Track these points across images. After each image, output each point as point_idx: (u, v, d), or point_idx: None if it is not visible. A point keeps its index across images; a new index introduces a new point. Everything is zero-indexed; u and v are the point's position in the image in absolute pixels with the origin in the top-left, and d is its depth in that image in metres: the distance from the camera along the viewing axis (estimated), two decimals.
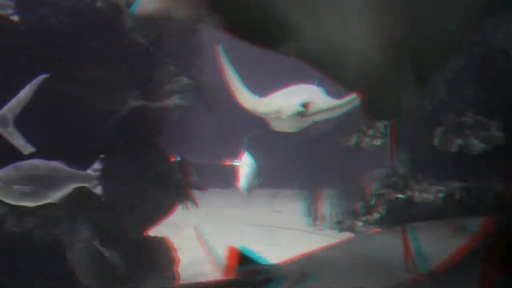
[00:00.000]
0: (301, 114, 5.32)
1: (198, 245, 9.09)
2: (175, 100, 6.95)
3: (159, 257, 6.97)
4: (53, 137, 6.03)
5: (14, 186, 4.36)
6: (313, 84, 6.04)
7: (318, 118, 5.53)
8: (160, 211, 7.08)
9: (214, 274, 7.79)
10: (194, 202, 7.03)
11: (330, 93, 5.84)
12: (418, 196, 5.95)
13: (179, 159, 7.18)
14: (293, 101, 5.39)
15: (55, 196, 4.74)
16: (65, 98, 6.10)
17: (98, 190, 4.76)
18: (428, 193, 5.92)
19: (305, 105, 5.35)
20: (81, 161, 6.20)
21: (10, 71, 5.91)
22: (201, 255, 8.64)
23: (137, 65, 6.62)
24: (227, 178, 11.58)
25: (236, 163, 12.01)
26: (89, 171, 4.80)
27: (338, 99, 5.56)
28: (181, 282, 6.96)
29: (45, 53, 5.95)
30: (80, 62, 6.11)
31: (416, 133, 6.29)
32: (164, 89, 6.90)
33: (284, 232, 10.13)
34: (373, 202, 6.16)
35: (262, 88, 6.01)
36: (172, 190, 6.95)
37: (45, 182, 4.59)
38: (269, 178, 11.61)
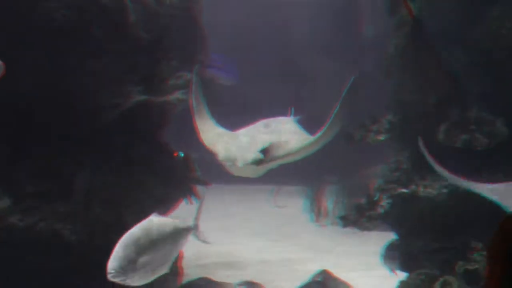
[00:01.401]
0: (260, 162, 4.67)
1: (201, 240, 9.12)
2: (178, 95, 6.94)
3: None
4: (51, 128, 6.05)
5: None
6: (289, 113, 5.54)
7: (283, 161, 4.93)
8: (164, 206, 7.08)
9: (217, 268, 7.78)
10: (197, 197, 7.03)
11: (307, 122, 5.41)
12: (422, 191, 5.93)
13: (182, 154, 7.17)
14: (251, 146, 4.73)
15: None
16: (67, 91, 6.11)
17: None
18: (432, 188, 5.90)
19: (265, 151, 4.71)
20: (83, 153, 6.21)
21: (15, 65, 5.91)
22: (204, 249, 8.68)
23: (141, 60, 6.61)
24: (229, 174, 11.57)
25: None
26: None
27: (314, 132, 4.99)
28: None
29: (50, 48, 5.95)
30: (83, 56, 6.11)
31: (420, 128, 6.27)
32: (167, 84, 6.89)
33: (287, 228, 10.14)
34: (377, 197, 6.15)
35: (236, 118, 5.49)
36: (175, 185, 6.96)
37: None
38: (270, 175, 11.62)
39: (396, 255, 6.45)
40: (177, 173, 7.03)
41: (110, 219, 6.24)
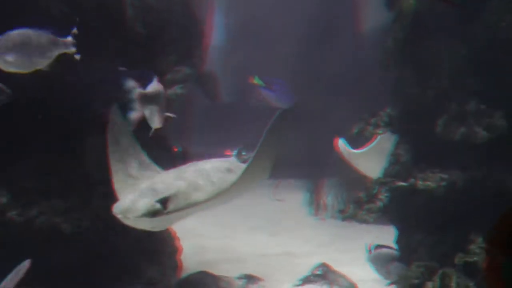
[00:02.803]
0: (156, 214, 3.91)
1: (199, 234, 9.15)
2: (176, 90, 6.94)
3: (162, 245, 6.99)
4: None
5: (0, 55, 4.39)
6: (231, 153, 4.88)
7: (195, 210, 4.14)
8: None
9: (216, 262, 7.78)
10: None
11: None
12: (421, 184, 5.94)
13: (181, 149, 7.18)
14: (150, 195, 3.99)
15: (40, 63, 4.60)
16: (64, 87, 6.11)
17: (76, 56, 4.74)
18: (430, 181, 5.91)
19: (165, 201, 3.96)
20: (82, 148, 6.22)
21: None
22: (203, 244, 8.70)
23: (138, 55, 6.61)
24: None
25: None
26: (69, 38, 4.75)
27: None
28: None
29: None
30: (81, 52, 6.10)
31: (419, 121, 6.29)
32: (165, 79, 6.89)
33: (286, 221, 10.15)
34: (375, 190, 6.16)
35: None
36: None
37: (29, 49, 4.51)
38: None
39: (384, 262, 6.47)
40: (175, 167, 7.03)
41: (109, 213, 6.25)
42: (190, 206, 4.03)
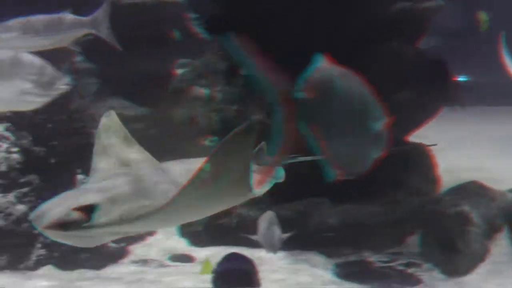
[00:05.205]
0: (69, 226, 2.76)
1: (453, 152, 8.87)
2: (437, 2, 6.75)
3: (422, 158, 6.95)
4: None
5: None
6: None
7: (137, 228, 2.88)
8: (424, 114, 7.00)
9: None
10: (461, 103, 6.81)
11: None
12: None
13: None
14: (72, 199, 2.84)
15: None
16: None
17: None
18: None
19: (86, 211, 2.76)
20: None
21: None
22: (454, 163, 8.42)
23: None
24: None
25: None
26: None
27: None
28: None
29: None
30: None
31: None
32: None
33: None
34: None
35: None
36: (436, 91, 6.83)
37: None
38: None
39: None
40: (437, 79, 6.91)
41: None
42: (116, 224, 2.76)
